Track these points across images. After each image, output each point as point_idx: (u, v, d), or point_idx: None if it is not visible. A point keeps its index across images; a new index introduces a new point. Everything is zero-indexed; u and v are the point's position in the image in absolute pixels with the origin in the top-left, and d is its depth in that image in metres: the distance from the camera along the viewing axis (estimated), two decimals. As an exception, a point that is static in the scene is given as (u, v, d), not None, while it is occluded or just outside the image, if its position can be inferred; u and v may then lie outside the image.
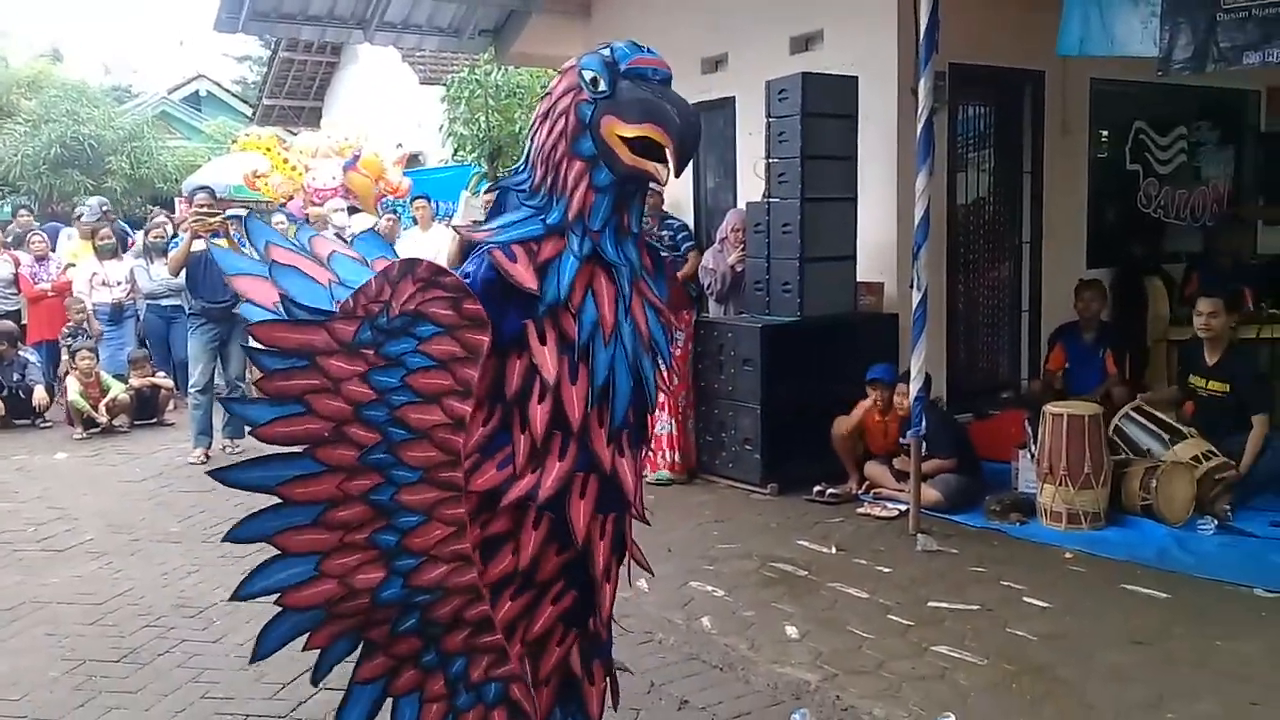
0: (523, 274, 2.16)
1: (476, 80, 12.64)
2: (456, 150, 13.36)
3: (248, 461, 2.18)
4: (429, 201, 10.69)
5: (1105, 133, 8.29)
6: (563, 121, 2.18)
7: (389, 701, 2.33)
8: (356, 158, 11.48)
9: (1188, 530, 5.15)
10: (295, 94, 19.83)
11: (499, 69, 12.71)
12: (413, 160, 15.82)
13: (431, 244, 9.86)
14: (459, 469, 2.10)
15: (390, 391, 2.09)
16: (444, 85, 13.38)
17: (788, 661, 3.80)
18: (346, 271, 2.44)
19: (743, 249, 6.72)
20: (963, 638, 3.97)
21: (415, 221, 10.53)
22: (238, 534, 2.16)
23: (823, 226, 6.28)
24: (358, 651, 2.33)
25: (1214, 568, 4.66)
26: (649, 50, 2.22)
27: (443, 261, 9.34)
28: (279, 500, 2.14)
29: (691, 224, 8.70)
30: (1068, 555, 4.93)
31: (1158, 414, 5.62)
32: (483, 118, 12.47)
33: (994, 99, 7.55)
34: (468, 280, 2.15)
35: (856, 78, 6.41)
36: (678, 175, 2.19)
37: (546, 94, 2.25)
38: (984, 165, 7.60)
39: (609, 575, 2.34)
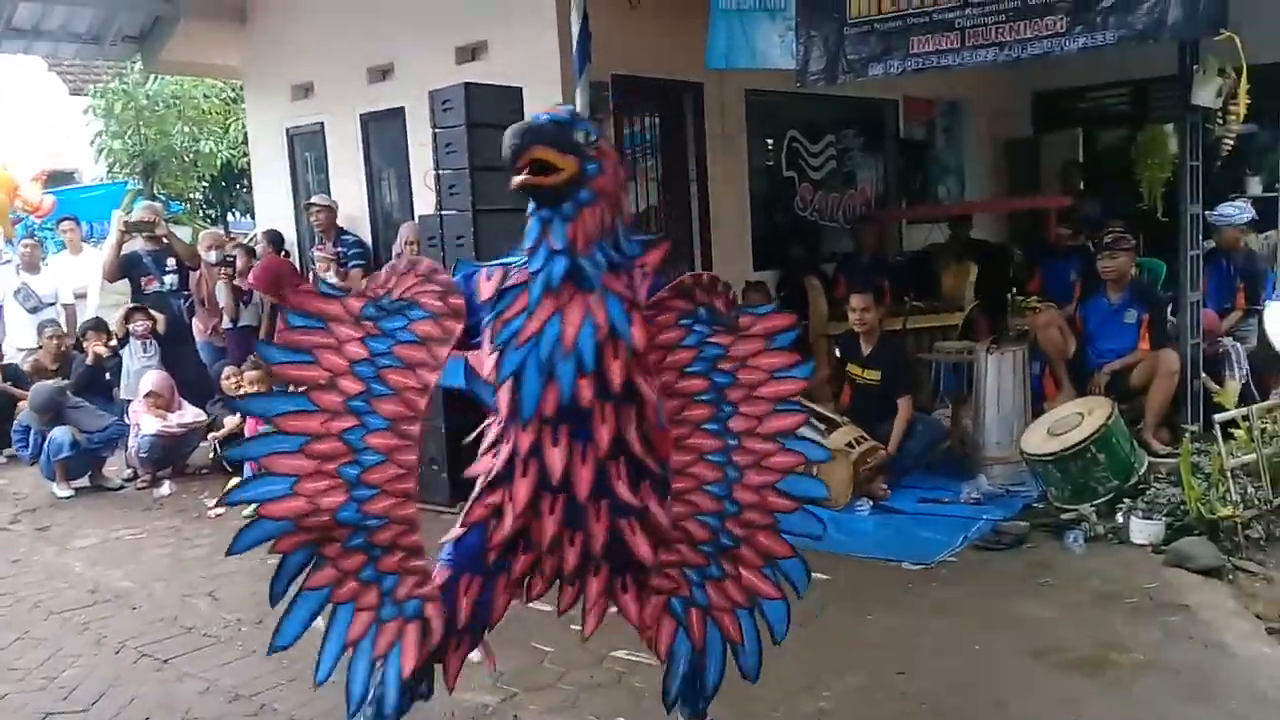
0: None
1: (125, 90, 11.68)
2: (111, 167, 12.29)
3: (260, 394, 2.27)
4: (78, 223, 9.74)
5: (770, 141, 8.79)
6: None
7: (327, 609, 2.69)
8: (-20, 171, 10.27)
9: (847, 512, 5.50)
10: (-79, 106, 17.59)
11: (152, 78, 11.83)
12: (65, 177, 14.44)
13: (84, 268, 8.99)
14: (416, 425, 2.66)
15: (379, 355, 2.59)
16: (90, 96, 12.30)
17: (467, 686, 3.68)
18: None
19: (418, 264, 6.55)
20: (639, 641, 4.01)
21: (64, 246, 9.60)
22: (232, 453, 2.40)
23: (496, 238, 6.20)
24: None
25: (868, 546, 5.00)
26: None
27: (95, 287, 8.70)
28: (272, 429, 2.58)
29: (369, 238, 8.44)
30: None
31: (811, 405, 5.98)
32: (134, 131, 11.53)
33: (659, 110, 7.80)
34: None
35: (521, 88, 6.40)
36: None
37: None
38: (654, 174, 7.84)
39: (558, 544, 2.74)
